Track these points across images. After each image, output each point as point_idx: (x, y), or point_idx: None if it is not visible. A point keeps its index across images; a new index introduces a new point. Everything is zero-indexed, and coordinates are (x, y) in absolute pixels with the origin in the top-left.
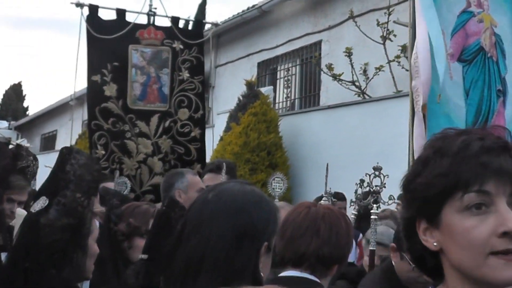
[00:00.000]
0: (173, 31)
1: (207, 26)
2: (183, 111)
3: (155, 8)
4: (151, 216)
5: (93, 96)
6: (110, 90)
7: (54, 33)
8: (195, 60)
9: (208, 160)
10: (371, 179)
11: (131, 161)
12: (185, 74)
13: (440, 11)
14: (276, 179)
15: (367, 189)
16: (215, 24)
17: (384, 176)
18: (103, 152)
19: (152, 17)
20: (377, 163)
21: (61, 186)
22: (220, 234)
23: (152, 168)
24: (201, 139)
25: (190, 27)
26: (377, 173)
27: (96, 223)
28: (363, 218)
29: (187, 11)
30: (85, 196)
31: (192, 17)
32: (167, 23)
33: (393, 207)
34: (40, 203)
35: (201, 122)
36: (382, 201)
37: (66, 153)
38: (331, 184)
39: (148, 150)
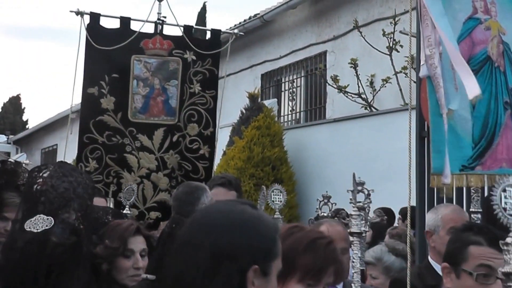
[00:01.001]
0: (185, 40)
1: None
2: (192, 126)
3: (165, 17)
4: (130, 234)
5: (88, 109)
6: (107, 102)
7: (56, 44)
8: (208, 72)
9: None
10: (319, 205)
11: (132, 176)
12: (197, 87)
13: None
14: (275, 191)
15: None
16: (235, 34)
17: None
18: (97, 165)
19: (159, 26)
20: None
21: (61, 204)
22: (197, 255)
23: (157, 184)
24: (210, 158)
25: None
26: (326, 201)
27: None
28: (377, 236)
29: (185, 20)
30: (84, 214)
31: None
32: (176, 32)
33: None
34: (42, 222)
35: (211, 140)
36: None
37: (60, 170)
38: (336, 200)
39: (151, 165)
